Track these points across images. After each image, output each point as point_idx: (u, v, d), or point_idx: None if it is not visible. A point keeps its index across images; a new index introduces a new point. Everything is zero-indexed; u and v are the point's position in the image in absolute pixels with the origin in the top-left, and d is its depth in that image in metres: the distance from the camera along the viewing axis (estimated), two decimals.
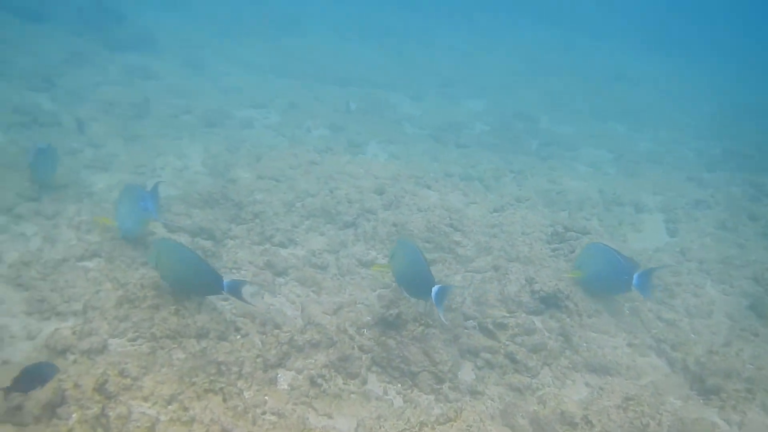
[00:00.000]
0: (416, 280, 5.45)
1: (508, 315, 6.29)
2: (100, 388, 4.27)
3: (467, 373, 5.85)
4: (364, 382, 5.47)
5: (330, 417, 5.01)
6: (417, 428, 4.53)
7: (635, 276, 6.55)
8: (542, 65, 24.53)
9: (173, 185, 9.16)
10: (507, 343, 6.01)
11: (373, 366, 5.65)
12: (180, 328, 5.35)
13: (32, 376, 4.33)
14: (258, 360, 5.22)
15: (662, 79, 24.90)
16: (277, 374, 5.19)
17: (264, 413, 4.68)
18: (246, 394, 4.78)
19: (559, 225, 8.20)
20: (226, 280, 5.49)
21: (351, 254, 7.49)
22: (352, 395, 5.27)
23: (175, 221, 7.28)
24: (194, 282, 5.54)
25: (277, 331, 5.69)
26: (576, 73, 23.50)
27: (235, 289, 5.55)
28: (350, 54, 22.43)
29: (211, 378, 4.63)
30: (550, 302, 6.61)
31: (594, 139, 15.46)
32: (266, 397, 4.88)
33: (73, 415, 4.06)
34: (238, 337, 5.67)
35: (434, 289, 5.30)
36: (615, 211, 10.27)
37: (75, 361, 4.86)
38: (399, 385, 5.53)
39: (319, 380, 5.24)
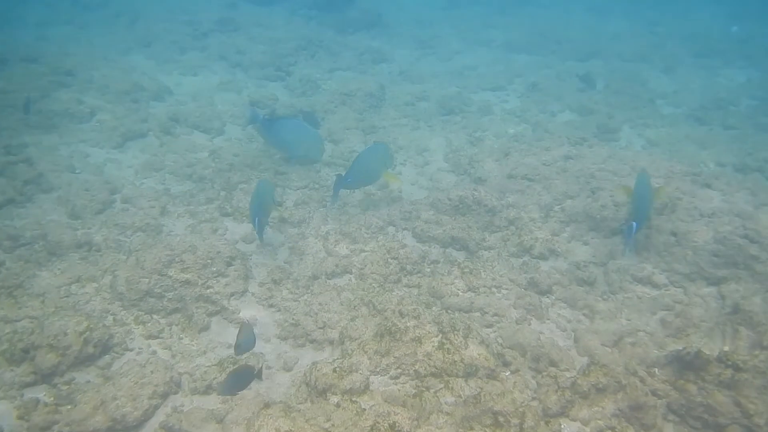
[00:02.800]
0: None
1: None
2: None
3: None
4: None
5: None
6: None
7: None
8: None
9: (417, 185, 8.76)
10: None
11: (670, 414, 4.77)
12: (446, 365, 4.82)
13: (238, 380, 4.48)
14: (534, 404, 4.56)
15: None
16: (561, 426, 4.47)
17: None
18: None
19: None
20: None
21: (622, 268, 6.54)
22: None
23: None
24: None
25: (553, 369, 5.01)
26: None
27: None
28: (589, 25, 20.93)
29: None
30: None
31: None
32: None
33: None
34: (508, 374, 5.04)
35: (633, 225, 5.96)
36: None
37: (338, 405, 4.47)
38: None
39: None
